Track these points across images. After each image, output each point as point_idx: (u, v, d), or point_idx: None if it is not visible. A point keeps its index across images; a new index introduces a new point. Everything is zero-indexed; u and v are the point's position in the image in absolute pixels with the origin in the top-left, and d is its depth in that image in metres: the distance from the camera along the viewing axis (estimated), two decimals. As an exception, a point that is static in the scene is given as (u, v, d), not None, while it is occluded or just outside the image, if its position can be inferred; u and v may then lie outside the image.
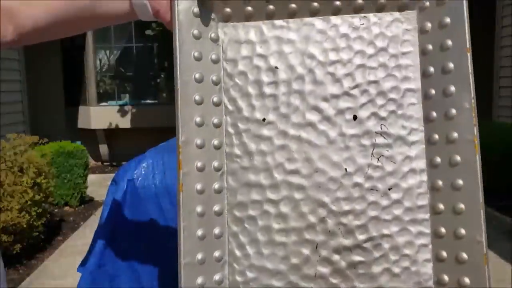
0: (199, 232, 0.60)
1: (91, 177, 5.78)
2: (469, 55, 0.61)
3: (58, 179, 4.79)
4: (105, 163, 7.57)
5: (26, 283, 3.34)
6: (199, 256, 0.60)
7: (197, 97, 0.62)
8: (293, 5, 0.64)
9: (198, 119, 0.61)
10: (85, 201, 5.21)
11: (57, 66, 7.51)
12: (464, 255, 0.56)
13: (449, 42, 0.61)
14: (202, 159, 0.62)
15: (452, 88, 0.60)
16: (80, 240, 4.13)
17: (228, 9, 0.65)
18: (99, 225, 0.98)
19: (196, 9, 0.63)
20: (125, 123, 7.30)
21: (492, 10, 5.93)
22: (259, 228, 0.62)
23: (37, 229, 3.68)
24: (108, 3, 0.66)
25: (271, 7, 0.64)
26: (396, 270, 0.61)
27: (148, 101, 7.70)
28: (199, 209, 0.60)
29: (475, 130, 0.57)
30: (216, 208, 0.62)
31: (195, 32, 0.63)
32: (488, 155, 4.80)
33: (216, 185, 0.63)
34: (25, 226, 3.45)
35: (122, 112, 7.35)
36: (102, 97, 7.56)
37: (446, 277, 0.58)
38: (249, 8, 0.65)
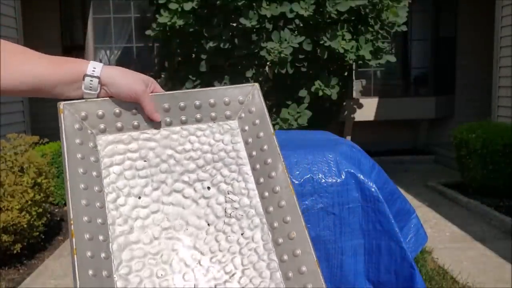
0: None
1: (91, 177, 5.77)
2: (274, 137, 0.88)
3: (58, 179, 4.80)
4: (105, 163, 7.57)
5: (26, 282, 3.34)
6: None
7: (82, 185, 0.78)
8: (153, 121, 0.88)
9: (84, 201, 0.77)
10: (85, 201, 5.21)
11: (57, 66, 7.50)
12: (304, 268, 0.77)
13: (261, 134, 0.90)
14: (90, 232, 0.75)
15: (269, 160, 0.87)
16: (81, 240, 4.14)
17: (102, 125, 0.85)
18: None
19: (77, 125, 0.83)
20: (125, 123, 7.30)
21: (492, 10, 5.94)
22: (145, 280, 0.76)
23: (38, 229, 3.68)
24: (63, 88, 0.81)
25: (135, 122, 0.87)
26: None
27: (148, 101, 7.69)
28: (90, 271, 0.72)
29: (289, 180, 0.84)
30: (105, 272, 0.74)
31: (78, 140, 0.82)
32: (488, 155, 4.81)
33: (103, 254, 0.76)
34: (25, 226, 3.46)
35: (122, 112, 7.34)
36: (102, 97, 7.56)
37: None
38: (119, 123, 0.86)
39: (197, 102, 0.90)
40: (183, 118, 0.90)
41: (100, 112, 0.84)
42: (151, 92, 0.88)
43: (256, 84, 0.92)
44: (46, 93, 0.81)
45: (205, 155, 0.88)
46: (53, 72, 0.80)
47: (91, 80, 0.82)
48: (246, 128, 0.91)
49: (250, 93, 0.92)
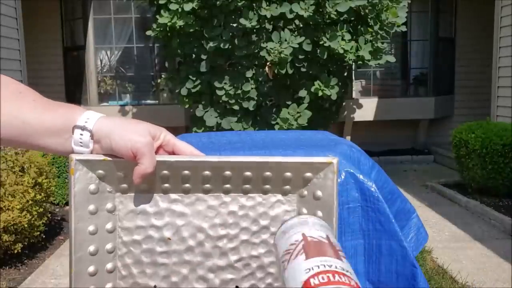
0: None
1: (91, 177, 5.78)
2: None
3: (59, 179, 4.81)
4: (105, 163, 7.58)
5: (27, 282, 3.35)
6: None
7: (91, 269, 0.66)
8: (187, 185, 0.69)
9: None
10: (85, 201, 5.22)
11: (59, 66, 7.52)
12: None
13: None
14: None
15: None
16: (81, 240, 4.15)
17: (125, 185, 0.68)
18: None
19: (93, 187, 0.67)
20: (125, 123, 7.30)
21: (491, 10, 5.95)
22: None
23: (38, 229, 3.69)
24: (50, 140, 0.67)
25: (166, 185, 0.69)
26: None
27: (149, 101, 7.71)
28: None
29: None
30: None
31: (91, 207, 0.67)
32: (487, 155, 4.82)
33: None
34: (26, 225, 3.46)
35: (123, 112, 7.36)
36: (103, 97, 7.57)
37: None
38: (145, 185, 0.68)
39: (248, 173, 0.69)
40: (227, 186, 0.70)
41: (121, 174, 0.68)
42: (190, 151, 0.69)
43: (335, 162, 0.69)
44: (30, 142, 0.67)
45: (241, 246, 0.71)
46: (40, 117, 0.66)
47: (81, 134, 0.65)
48: (304, 212, 0.71)
49: (323, 172, 0.69)
